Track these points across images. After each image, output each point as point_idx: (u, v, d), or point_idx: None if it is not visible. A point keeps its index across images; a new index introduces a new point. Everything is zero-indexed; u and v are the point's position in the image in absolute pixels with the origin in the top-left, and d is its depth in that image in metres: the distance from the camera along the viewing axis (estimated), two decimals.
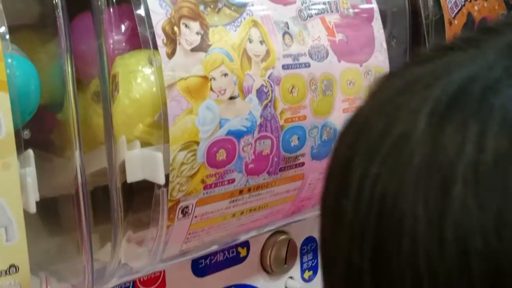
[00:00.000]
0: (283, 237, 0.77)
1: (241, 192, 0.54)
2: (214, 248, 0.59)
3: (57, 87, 0.46)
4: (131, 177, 0.47)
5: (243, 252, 0.74)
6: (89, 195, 0.48)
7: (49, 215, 0.51)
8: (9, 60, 0.40)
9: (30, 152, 0.42)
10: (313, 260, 0.83)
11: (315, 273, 0.83)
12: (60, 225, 0.53)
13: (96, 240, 0.52)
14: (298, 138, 0.56)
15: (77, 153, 0.46)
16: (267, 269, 0.77)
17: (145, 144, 0.48)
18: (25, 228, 0.39)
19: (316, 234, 0.83)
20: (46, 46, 0.47)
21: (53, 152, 0.50)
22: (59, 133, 0.49)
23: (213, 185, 0.50)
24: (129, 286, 0.63)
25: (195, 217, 0.51)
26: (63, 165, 0.49)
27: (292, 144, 0.55)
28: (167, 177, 0.48)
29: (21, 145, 0.41)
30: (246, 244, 0.74)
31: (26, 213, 0.41)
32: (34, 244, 0.43)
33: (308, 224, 0.82)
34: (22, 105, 0.42)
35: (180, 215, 0.50)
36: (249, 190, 0.54)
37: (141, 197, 0.51)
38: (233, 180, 0.52)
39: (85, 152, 0.47)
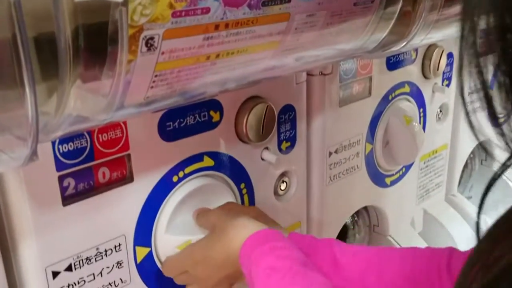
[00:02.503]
0: (260, 102, 0.69)
1: (217, 27, 0.45)
2: (184, 100, 0.51)
3: None
4: None
5: (216, 116, 0.66)
6: (32, 41, 0.38)
7: None
8: None
9: None
10: (291, 131, 0.76)
11: (293, 144, 0.77)
12: None
13: (43, 90, 0.43)
14: None
15: None
16: (242, 137, 0.69)
17: None
18: None
19: (295, 103, 0.76)
20: None
21: None
22: None
23: (183, 13, 0.41)
24: (87, 147, 0.55)
25: (162, 53, 0.42)
26: None
27: None
28: None
29: None
30: (219, 108, 0.66)
31: None
32: None
33: (286, 90, 0.75)
34: None
35: (144, 48, 0.41)
36: (227, 26, 0.45)
37: (94, 32, 0.41)
38: (207, 10, 0.43)
39: None
